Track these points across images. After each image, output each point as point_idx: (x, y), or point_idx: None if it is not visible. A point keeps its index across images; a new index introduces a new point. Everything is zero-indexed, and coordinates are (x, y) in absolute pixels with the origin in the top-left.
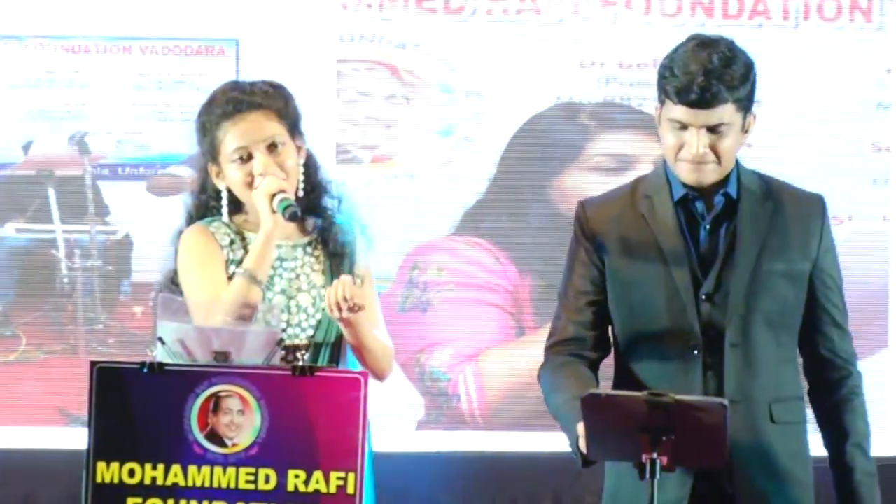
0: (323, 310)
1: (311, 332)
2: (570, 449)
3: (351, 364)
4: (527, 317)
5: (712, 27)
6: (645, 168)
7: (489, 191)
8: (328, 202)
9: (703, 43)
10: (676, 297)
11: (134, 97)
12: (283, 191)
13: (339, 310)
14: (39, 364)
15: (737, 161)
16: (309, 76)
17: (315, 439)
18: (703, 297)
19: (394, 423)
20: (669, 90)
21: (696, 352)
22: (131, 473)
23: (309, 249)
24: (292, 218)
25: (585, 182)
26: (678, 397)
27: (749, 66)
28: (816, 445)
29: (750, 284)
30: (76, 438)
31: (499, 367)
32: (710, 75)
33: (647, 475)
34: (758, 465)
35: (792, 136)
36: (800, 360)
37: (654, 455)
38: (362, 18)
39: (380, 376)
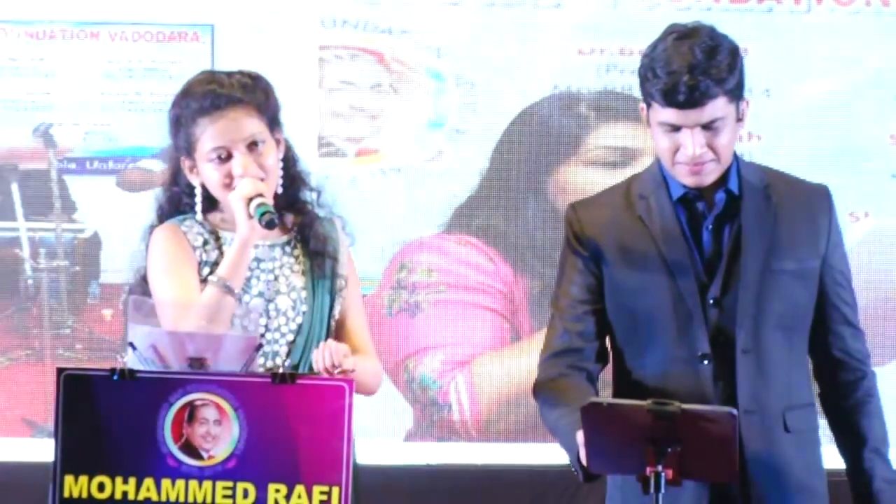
0: (304, 313)
1: (291, 337)
2: (566, 462)
3: None
4: (522, 320)
5: (718, 11)
6: (647, 161)
7: (482, 186)
8: (307, 195)
9: (682, 35)
10: (681, 303)
11: (102, 86)
12: (260, 194)
13: (329, 371)
14: (3, 371)
15: (735, 154)
16: (289, 64)
17: (297, 451)
18: (711, 302)
19: (381, 433)
20: (655, 93)
21: (705, 361)
22: (101, 487)
23: (288, 249)
24: (269, 226)
25: (584, 176)
26: (685, 406)
27: (734, 52)
28: (828, 457)
29: (759, 286)
30: (42, 450)
31: (492, 374)
32: (696, 71)
33: (652, 489)
34: (773, 478)
35: (804, 129)
36: (809, 363)
37: (659, 468)
38: (346, 2)
39: (367, 395)
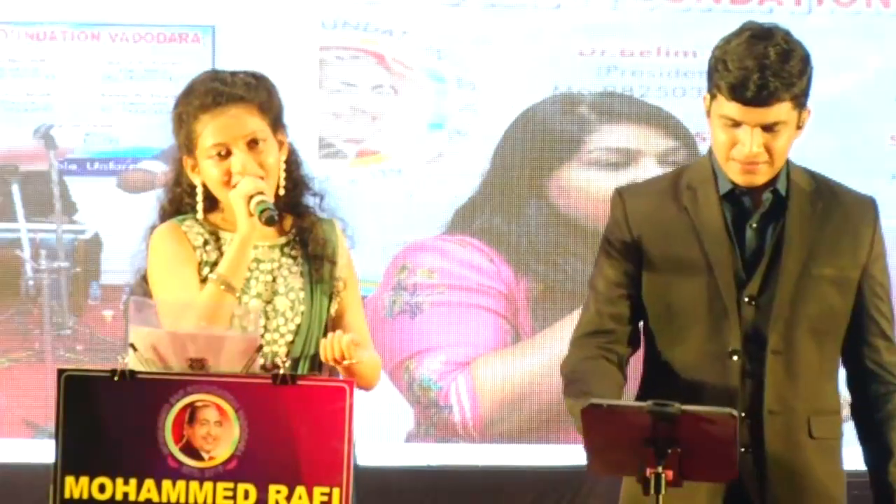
0: (302, 314)
1: (290, 337)
2: (569, 463)
3: None
4: (523, 321)
5: (719, 12)
6: (648, 162)
7: (482, 187)
8: (309, 199)
9: (758, 34)
10: (717, 298)
11: (103, 87)
12: (260, 192)
13: (336, 363)
14: (3, 372)
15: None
16: (289, 65)
17: (297, 452)
18: (746, 299)
19: (381, 434)
20: (722, 85)
21: (735, 357)
22: (101, 489)
23: (287, 250)
24: (269, 222)
25: (585, 178)
26: (684, 407)
27: (806, 59)
28: (851, 460)
29: (796, 289)
30: (43, 451)
31: (493, 375)
32: (767, 71)
33: (652, 490)
34: (793, 481)
35: (804, 130)
36: (841, 372)
37: (659, 469)
38: (346, 3)
39: (367, 389)
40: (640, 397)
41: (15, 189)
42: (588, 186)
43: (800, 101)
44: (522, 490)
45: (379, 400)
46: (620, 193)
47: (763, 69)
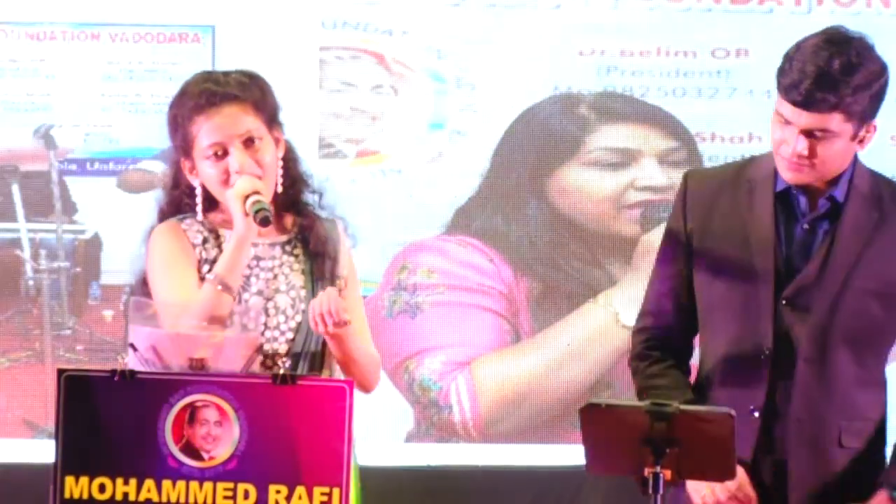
0: (303, 312)
1: (290, 335)
2: (569, 463)
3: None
4: (523, 321)
5: (719, 12)
6: (648, 162)
7: (482, 187)
8: (308, 197)
9: (833, 40)
10: (754, 295)
11: (103, 87)
12: (256, 192)
13: (324, 324)
14: (3, 372)
15: (856, 161)
16: (289, 65)
17: (297, 452)
18: (784, 301)
19: (381, 434)
20: (781, 82)
21: (766, 357)
22: (101, 488)
23: (288, 248)
24: (263, 223)
25: (585, 178)
26: (683, 407)
27: (874, 75)
28: None
29: (835, 299)
30: (43, 451)
31: (493, 375)
32: (822, 80)
33: (650, 490)
34: (818, 490)
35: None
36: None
37: (657, 468)
38: (346, 3)
39: (366, 389)
40: (695, 385)
41: (15, 189)
42: (588, 186)
43: (855, 115)
44: (522, 490)
45: (379, 400)
46: (686, 176)
47: (819, 77)
